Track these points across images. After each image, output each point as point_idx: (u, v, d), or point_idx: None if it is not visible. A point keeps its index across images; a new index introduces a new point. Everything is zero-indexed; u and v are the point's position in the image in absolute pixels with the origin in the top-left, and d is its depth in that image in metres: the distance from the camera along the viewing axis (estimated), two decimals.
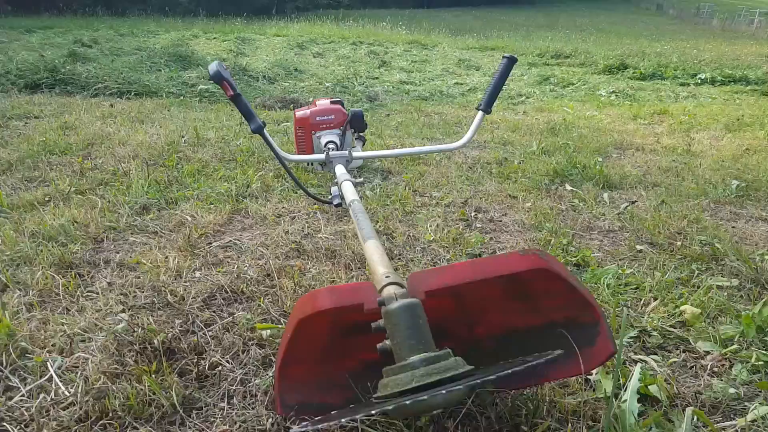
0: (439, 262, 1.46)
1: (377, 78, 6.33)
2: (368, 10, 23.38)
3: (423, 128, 3.59)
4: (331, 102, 2.37)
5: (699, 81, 6.79)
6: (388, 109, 4.41)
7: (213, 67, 1.35)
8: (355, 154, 1.72)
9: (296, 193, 2.07)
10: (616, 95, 5.66)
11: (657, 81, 6.99)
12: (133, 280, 1.25)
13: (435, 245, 1.57)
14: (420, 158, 2.67)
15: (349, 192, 1.29)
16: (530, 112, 4.50)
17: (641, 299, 1.28)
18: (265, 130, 1.42)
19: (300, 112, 2.32)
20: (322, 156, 1.71)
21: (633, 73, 7.35)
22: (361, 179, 1.45)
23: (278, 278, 1.28)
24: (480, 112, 1.66)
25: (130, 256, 1.40)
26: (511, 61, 1.61)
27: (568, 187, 2.25)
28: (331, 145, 2.11)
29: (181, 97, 4.43)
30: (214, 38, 10.09)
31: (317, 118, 2.26)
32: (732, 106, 5.14)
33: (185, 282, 1.26)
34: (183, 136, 2.90)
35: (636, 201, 2.05)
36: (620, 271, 1.40)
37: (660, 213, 1.93)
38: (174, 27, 12.16)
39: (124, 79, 4.71)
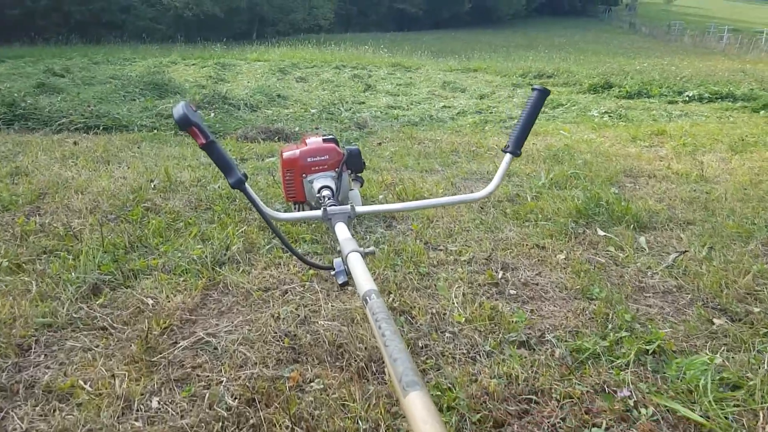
0: (478, 357, 1.13)
1: (363, 102, 6.09)
2: (350, 34, 23.53)
3: (419, 158, 3.32)
4: (324, 140, 2.06)
5: (687, 98, 6.78)
6: (378, 137, 4.14)
7: (178, 110, 1.00)
8: (359, 209, 1.40)
9: (287, 253, 1.73)
10: (609, 116, 5.55)
11: (644, 99, 6.96)
12: (61, 421, 0.88)
13: (468, 328, 1.24)
14: None
15: (362, 277, 0.86)
16: None
17: (753, 410, 0.97)
18: (246, 184, 1.10)
19: (288, 152, 1.99)
20: (318, 213, 1.39)
21: (619, 91, 7.33)
22: (372, 248, 1.10)
23: (267, 407, 0.93)
24: (508, 155, 1.36)
25: (64, 374, 1.03)
26: (543, 95, 1.32)
27: (600, 232, 1.97)
28: (325, 192, 1.78)
29: (155, 131, 4.06)
30: (194, 64, 9.80)
31: (308, 159, 1.94)
32: (728, 124, 5.06)
33: (135, 420, 0.90)
34: (152, 181, 2.53)
35: (687, 251, 1.78)
36: (708, 361, 1.11)
37: (714, 264, 1.66)
38: (151, 54, 11.83)
39: (92, 112, 4.32)
